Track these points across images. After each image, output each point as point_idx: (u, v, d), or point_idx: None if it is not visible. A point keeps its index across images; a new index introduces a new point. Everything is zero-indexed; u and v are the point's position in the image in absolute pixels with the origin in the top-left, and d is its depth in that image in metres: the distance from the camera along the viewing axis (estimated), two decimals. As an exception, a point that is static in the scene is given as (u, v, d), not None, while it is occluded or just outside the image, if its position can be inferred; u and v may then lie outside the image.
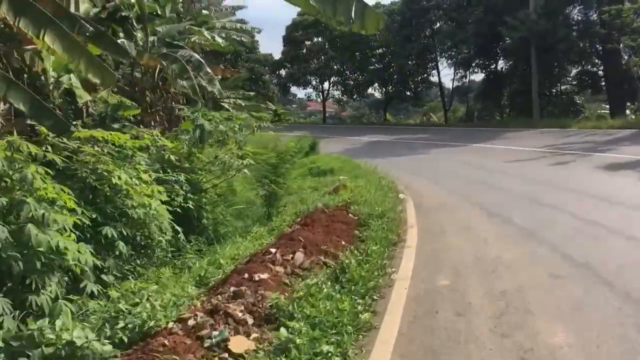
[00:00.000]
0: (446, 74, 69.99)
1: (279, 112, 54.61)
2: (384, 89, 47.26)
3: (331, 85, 49.84)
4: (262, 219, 10.82)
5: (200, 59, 13.65)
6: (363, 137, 31.66)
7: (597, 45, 33.47)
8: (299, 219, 8.84)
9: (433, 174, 16.28)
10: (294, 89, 56.57)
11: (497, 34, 35.07)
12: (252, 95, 22.49)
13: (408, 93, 45.37)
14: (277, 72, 50.37)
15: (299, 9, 48.18)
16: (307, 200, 10.56)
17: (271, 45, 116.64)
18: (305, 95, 54.10)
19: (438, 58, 42.06)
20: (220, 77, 21.51)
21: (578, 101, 39.14)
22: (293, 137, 25.61)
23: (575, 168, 14.56)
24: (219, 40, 15.35)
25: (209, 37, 14.87)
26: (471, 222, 8.94)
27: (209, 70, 13.54)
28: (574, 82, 38.28)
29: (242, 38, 18.15)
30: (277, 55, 50.62)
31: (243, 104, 21.51)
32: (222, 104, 21.60)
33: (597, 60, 35.20)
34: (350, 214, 9.15)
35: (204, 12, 15.96)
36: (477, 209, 10.02)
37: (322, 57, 46.50)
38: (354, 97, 49.51)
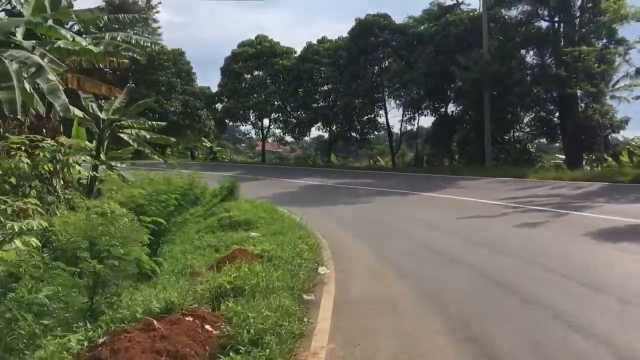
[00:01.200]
0: (394, 116, 67.63)
1: (214, 149, 50.34)
2: (328, 129, 43.58)
3: (272, 122, 45.82)
4: (82, 316, 6.48)
5: (42, 63, 9.39)
6: (301, 180, 27.72)
7: (553, 92, 31.17)
8: (102, 341, 4.61)
9: (373, 232, 12.44)
10: (243, 127, 52.46)
11: (449, 74, 32.42)
12: (163, 126, 18.17)
13: (354, 134, 41.76)
14: (213, 106, 45.86)
15: (240, 40, 44.76)
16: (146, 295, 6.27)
17: (215, 82, 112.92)
18: (245, 132, 49.92)
19: (386, 98, 39.02)
20: (114, 98, 17.27)
21: (531, 149, 36.83)
22: (220, 179, 21.23)
23: (558, 234, 10.99)
24: (87, 45, 11.08)
25: (69, 39, 10.62)
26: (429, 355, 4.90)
27: (52, 77, 9.28)
28: (527, 129, 36.01)
29: (135, 55, 14.06)
30: (215, 89, 46.47)
31: (148, 136, 17.15)
32: (121, 135, 17.22)
33: (552, 107, 32.98)
34: (208, 326, 4.99)
35: (64, 2, 11.77)
36: (436, 313, 6.06)
37: (263, 92, 42.46)
38: (296, 136, 45.51)
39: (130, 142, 16.63)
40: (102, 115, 15.79)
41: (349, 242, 11.37)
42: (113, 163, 21.79)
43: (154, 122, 17.81)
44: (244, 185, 26.94)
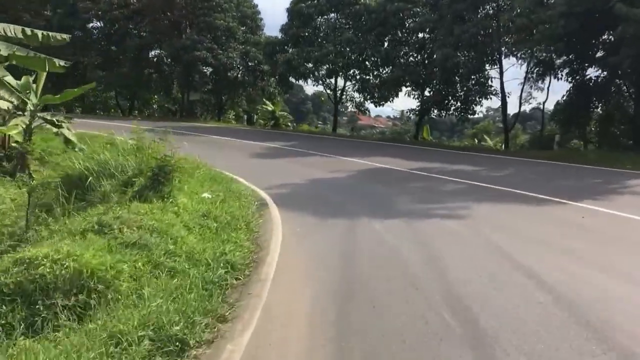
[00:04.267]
0: (512, 78, 53.60)
1: (277, 114, 41.82)
2: (419, 94, 33.14)
3: (347, 80, 35.95)
4: None
5: None
6: (366, 161, 18.58)
7: None
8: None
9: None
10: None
11: (604, 15, 21.35)
12: (62, 41, 9.87)
13: (453, 101, 31.15)
14: (274, 58, 36.33)
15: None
16: None
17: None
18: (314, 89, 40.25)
19: (503, 51, 28.16)
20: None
21: None
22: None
23: None
24: None
25: None
26: None
27: None
28: None
29: None
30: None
31: (5, 54, 8.81)
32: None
33: None
34: None
35: None
36: None
37: (336, 40, 32.54)
38: (376, 100, 35.27)
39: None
40: None
41: None
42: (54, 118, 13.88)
43: (38, 31, 9.47)
44: (277, 162, 18.52)
